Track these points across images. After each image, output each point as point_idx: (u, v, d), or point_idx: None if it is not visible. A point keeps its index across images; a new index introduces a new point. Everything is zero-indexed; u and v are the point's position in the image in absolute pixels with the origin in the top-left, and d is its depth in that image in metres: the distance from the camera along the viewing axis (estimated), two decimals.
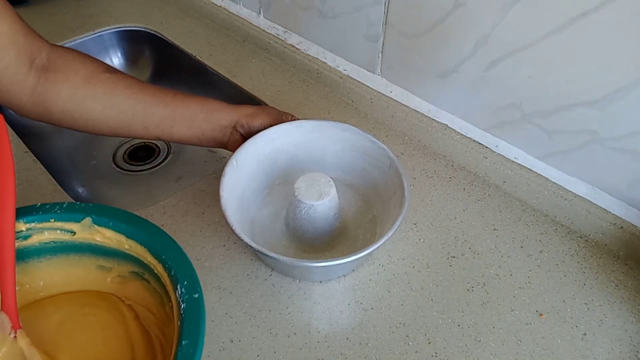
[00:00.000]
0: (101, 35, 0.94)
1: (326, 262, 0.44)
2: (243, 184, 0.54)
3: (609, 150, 0.51)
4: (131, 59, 0.99)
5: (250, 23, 0.87)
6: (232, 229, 0.46)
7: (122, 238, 0.44)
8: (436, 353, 0.45)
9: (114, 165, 0.82)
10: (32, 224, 0.44)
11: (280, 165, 0.58)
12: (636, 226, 0.52)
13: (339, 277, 0.51)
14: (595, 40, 0.47)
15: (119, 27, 0.95)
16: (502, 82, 0.56)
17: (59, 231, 0.45)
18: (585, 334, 0.47)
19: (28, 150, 0.65)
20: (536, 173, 0.58)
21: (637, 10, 0.43)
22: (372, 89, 0.71)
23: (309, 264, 0.45)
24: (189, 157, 0.83)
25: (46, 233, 0.45)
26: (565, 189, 0.56)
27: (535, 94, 0.54)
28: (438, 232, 0.56)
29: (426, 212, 0.58)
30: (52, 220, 0.45)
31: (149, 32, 0.95)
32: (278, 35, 0.83)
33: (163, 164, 0.82)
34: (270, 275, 0.52)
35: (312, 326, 0.47)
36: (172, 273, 0.41)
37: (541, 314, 0.48)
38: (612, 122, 0.49)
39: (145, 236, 0.44)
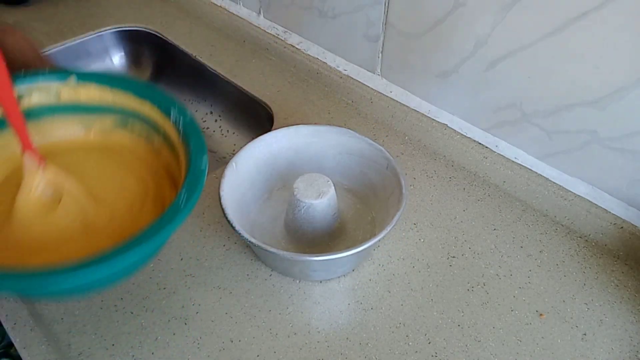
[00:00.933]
0: (101, 35, 0.94)
1: (325, 256, 0.44)
2: (243, 187, 0.54)
3: (609, 150, 0.51)
4: (131, 59, 0.99)
5: (250, 23, 0.87)
6: (231, 225, 0.46)
7: (106, 90, 0.48)
8: (436, 353, 0.45)
9: None
10: (22, 87, 0.47)
11: (279, 169, 0.58)
12: (636, 226, 0.52)
13: (338, 277, 0.51)
14: (595, 40, 0.47)
15: (119, 27, 0.95)
16: (502, 82, 0.56)
17: (46, 93, 0.48)
18: (585, 334, 0.47)
19: None
20: (536, 173, 0.58)
21: (637, 10, 0.43)
22: (372, 89, 0.71)
23: (308, 258, 0.45)
24: None
25: (34, 96, 0.48)
26: (565, 189, 0.56)
27: (535, 94, 0.54)
28: (438, 232, 0.56)
29: (426, 212, 0.58)
30: (40, 81, 0.48)
31: (149, 32, 0.95)
32: (278, 35, 0.83)
33: None
34: (270, 275, 0.52)
35: (312, 326, 0.47)
36: (162, 106, 0.46)
37: (541, 314, 0.48)
38: (612, 122, 0.49)
39: (128, 83, 0.48)
